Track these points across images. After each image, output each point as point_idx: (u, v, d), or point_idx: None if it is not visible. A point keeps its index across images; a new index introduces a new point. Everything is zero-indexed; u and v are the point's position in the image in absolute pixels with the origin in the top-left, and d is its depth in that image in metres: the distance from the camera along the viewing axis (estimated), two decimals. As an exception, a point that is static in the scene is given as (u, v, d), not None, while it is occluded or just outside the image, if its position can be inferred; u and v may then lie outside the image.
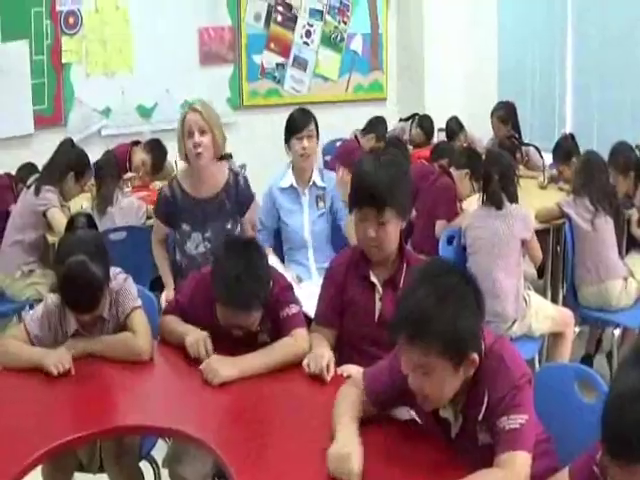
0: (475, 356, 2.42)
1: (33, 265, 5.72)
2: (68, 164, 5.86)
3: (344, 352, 3.41)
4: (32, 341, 3.39)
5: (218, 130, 4.57)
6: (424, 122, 8.70)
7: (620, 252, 5.59)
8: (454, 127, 8.33)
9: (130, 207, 5.86)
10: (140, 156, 7.20)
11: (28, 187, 5.80)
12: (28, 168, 6.47)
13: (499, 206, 5.06)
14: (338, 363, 3.24)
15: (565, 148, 6.89)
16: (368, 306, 3.39)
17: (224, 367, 3.16)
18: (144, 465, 3.66)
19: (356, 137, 8.10)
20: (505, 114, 8.21)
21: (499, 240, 4.96)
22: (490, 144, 8.10)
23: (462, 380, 2.45)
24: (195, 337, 3.35)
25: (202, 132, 4.47)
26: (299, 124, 5.03)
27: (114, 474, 3.55)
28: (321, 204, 5.08)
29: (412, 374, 2.44)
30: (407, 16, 10.26)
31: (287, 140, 5.07)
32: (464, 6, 9.76)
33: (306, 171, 5.07)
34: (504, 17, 9.99)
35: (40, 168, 6.11)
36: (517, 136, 8.11)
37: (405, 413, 2.81)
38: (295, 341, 3.35)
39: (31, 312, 3.56)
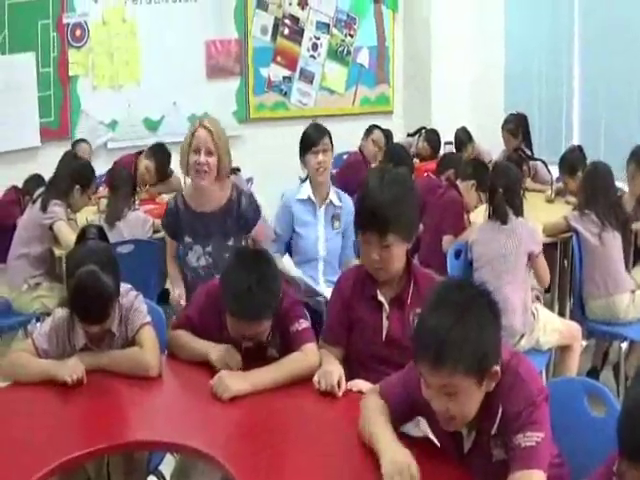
0: (497, 368, 2.41)
1: (39, 278, 5.71)
2: (72, 177, 5.88)
3: (352, 370, 3.38)
4: (40, 355, 3.37)
5: (225, 153, 4.55)
6: (430, 136, 8.77)
7: (627, 265, 5.58)
8: (462, 137, 8.39)
9: (137, 221, 5.88)
10: (144, 163, 7.19)
11: (34, 201, 5.81)
12: (35, 180, 6.48)
13: (504, 220, 5.05)
14: (346, 380, 3.23)
15: (571, 160, 6.87)
16: (375, 325, 3.37)
17: (235, 381, 3.15)
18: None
19: (361, 151, 8.10)
20: (515, 127, 8.24)
21: (505, 255, 4.95)
22: (501, 156, 8.13)
23: (484, 394, 2.44)
24: (220, 351, 3.35)
25: (209, 153, 4.46)
26: (315, 138, 5.03)
27: None
28: (336, 224, 5.07)
29: (436, 397, 2.42)
30: (413, 27, 10.34)
31: (302, 155, 5.07)
32: (471, 16, 9.83)
33: (323, 185, 5.07)
34: (510, 26, 10.06)
35: (47, 181, 6.12)
36: (526, 149, 8.12)
37: (413, 430, 2.80)
38: (306, 356, 3.34)
39: (39, 326, 3.55)
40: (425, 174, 7.13)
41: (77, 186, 5.84)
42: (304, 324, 3.45)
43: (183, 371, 3.49)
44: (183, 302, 4.40)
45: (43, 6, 8.33)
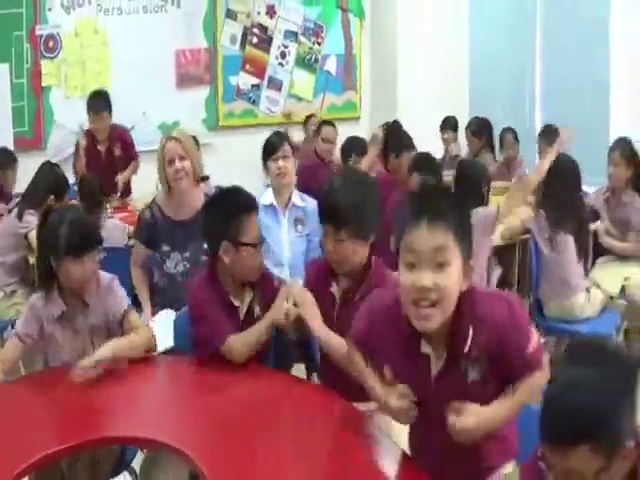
0: (471, 265, 2.56)
1: (15, 286, 5.86)
2: (48, 187, 6.01)
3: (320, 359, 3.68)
4: (24, 341, 3.61)
5: (195, 155, 4.87)
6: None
7: (586, 263, 5.66)
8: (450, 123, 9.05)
9: (115, 228, 6.04)
10: (92, 119, 7.47)
11: (10, 211, 5.97)
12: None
13: None
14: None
15: (551, 132, 7.19)
16: (328, 315, 3.53)
17: None
18: (124, 476, 3.77)
19: (316, 152, 8.05)
20: (477, 129, 8.58)
21: None
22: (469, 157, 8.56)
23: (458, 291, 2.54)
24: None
25: (182, 158, 4.76)
26: (274, 145, 5.25)
27: None
28: (300, 227, 5.23)
29: (425, 273, 2.46)
30: (380, 35, 10.51)
31: (264, 162, 5.28)
32: (436, 23, 9.96)
33: (284, 190, 5.24)
34: (475, 34, 10.28)
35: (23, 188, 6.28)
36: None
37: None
38: None
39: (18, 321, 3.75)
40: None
41: (51, 196, 5.96)
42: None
43: (155, 368, 3.70)
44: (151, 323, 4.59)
45: (16, 18, 8.42)
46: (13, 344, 3.63)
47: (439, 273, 2.45)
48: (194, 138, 7.01)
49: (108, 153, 7.58)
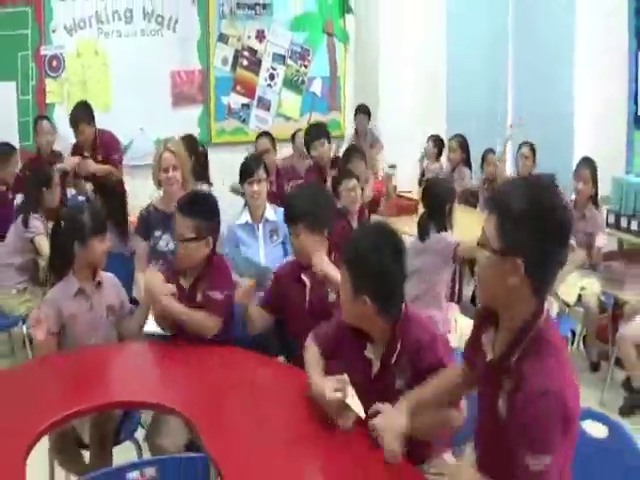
0: (367, 299, 3.11)
1: (25, 284, 6.29)
2: (37, 182, 6.46)
3: (292, 337, 4.31)
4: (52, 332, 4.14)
5: (186, 166, 5.54)
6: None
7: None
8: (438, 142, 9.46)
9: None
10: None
11: (16, 217, 6.40)
12: None
13: (422, 238, 5.53)
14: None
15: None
16: (299, 300, 4.25)
17: None
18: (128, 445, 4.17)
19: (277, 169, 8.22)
20: (463, 141, 9.14)
21: (421, 270, 5.36)
22: (447, 173, 9.10)
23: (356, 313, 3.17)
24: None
25: (174, 168, 5.43)
26: (250, 170, 5.81)
27: (93, 450, 4.09)
28: (275, 237, 5.77)
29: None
30: (363, 59, 10.98)
31: (241, 183, 5.86)
32: (416, 50, 10.40)
33: (258, 209, 5.79)
34: (452, 56, 10.76)
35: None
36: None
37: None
38: (206, 319, 4.23)
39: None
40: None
41: (43, 188, 6.41)
42: (219, 296, 4.31)
43: (156, 347, 4.26)
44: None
45: (23, 39, 8.89)
46: (45, 341, 4.15)
47: None
48: (203, 147, 7.93)
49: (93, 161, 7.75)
